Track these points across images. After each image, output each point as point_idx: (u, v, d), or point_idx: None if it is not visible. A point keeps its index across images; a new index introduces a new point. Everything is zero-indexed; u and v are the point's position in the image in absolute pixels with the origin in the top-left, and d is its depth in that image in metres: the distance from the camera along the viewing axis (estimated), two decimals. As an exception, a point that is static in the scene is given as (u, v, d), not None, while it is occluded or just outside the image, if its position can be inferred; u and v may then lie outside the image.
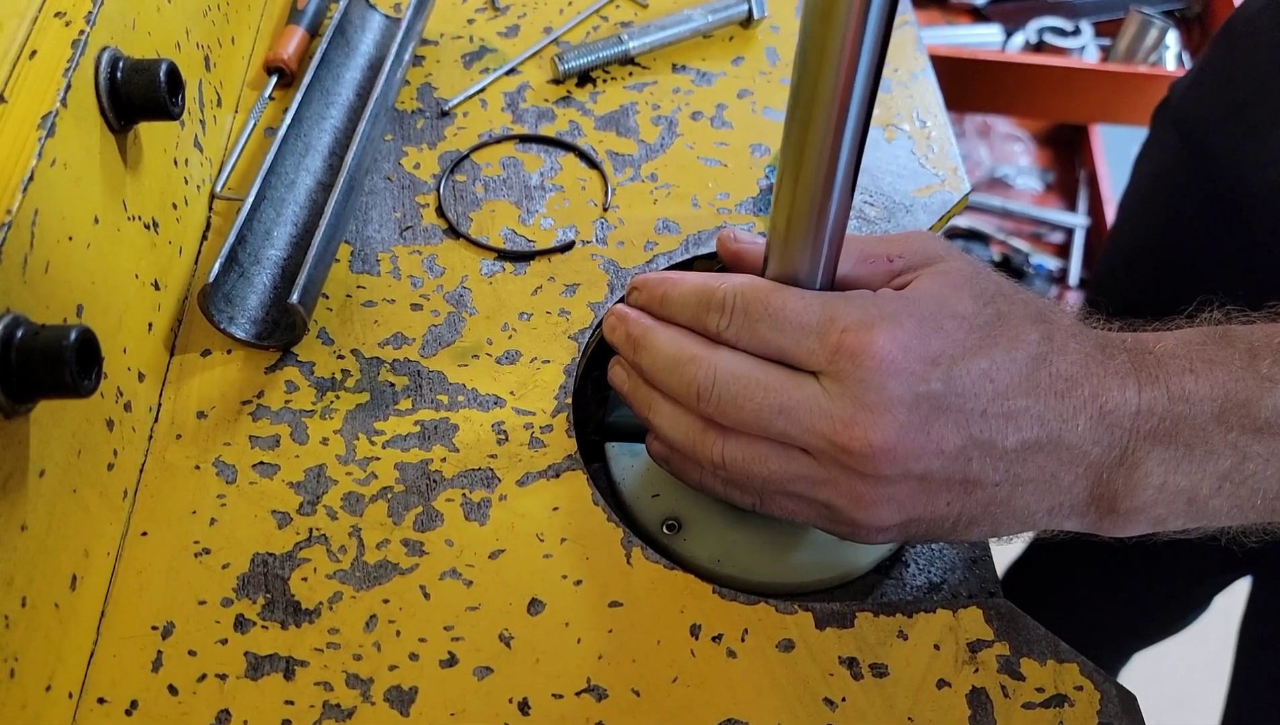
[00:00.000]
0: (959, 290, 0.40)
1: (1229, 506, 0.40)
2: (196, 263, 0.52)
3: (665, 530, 0.49)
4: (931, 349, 0.38)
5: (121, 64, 0.43)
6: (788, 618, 0.43)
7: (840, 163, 0.38)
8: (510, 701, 0.40)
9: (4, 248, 0.35)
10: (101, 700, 0.40)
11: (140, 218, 0.46)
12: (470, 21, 0.65)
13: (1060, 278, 1.67)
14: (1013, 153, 1.77)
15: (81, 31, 0.42)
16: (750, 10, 0.64)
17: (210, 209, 0.54)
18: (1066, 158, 1.78)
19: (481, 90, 0.61)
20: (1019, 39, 1.40)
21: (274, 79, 0.59)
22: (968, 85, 1.33)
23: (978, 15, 1.44)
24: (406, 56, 0.59)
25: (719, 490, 0.44)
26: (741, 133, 0.60)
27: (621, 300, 0.53)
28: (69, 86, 0.40)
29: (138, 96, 0.43)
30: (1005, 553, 1.20)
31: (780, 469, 0.41)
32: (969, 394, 0.38)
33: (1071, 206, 1.73)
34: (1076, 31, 1.38)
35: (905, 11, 0.67)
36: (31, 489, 0.37)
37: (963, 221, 1.68)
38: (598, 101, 0.61)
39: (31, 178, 0.37)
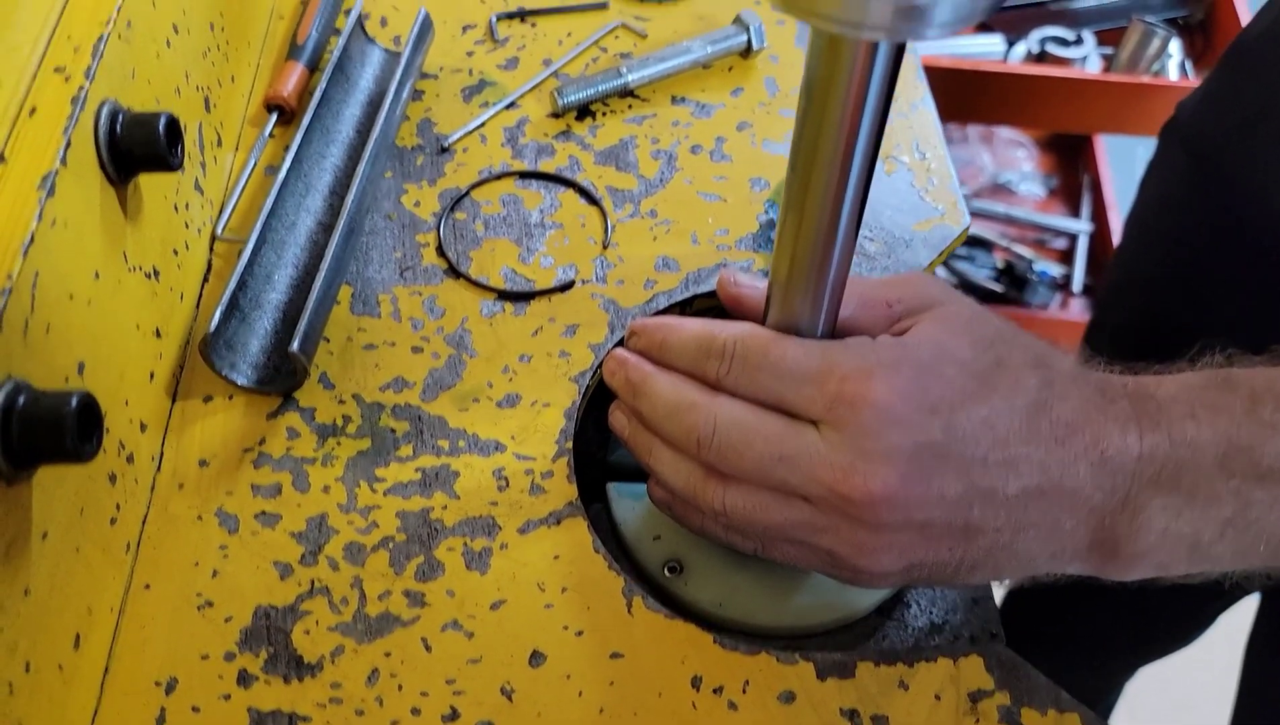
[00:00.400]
0: (958, 336, 0.40)
1: (1232, 552, 0.40)
2: (198, 307, 0.53)
3: (667, 573, 0.49)
4: (931, 396, 0.38)
5: (121, 117, 0.43)
6: (789, 668, 0.43)
7: (842, 219, 0.38)
8: (512, 756, 0.40)
9: (5, 314, 0.35)
10: (106, 757, 0.40)
11: (141, 268, 0.46)
12: (469, 54, 0.65)
13: (1064, 284, 1.67)
14: (1015, 158, 1.76)
15: (81, 87, 0.42)
16: (749, 41, 0.64)
17: (211, 251, 0.54)
18: (1069, 163, 1.77)
19: (481, 125, 0.61)
20: (1021, 49, 1.39)
21: (274, 116, 0.59)
22: (970, 96, 1.33)
23: (980, 25, 1.43)
24: (405, 94, 0.59)
25: (720, 536, 0.44)
26: (741, 166, 0.60)
27: (621, 343, 0.53)
28: (69, 144, 0.40)
29: (137, 150, 0.43)
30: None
31: (781, 517, 0.41)
32: (969, 442, 0.38)
33: (1075, 212, 1.73)
34: (1079, 41, 1.38)
35: (905, 40, 0.67)
36: (35, 552, 0.37)
37: (965, 228, 1.68)
38: (597, 135, 0.61)
39: (32, 241, 0.37)
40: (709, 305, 0.55)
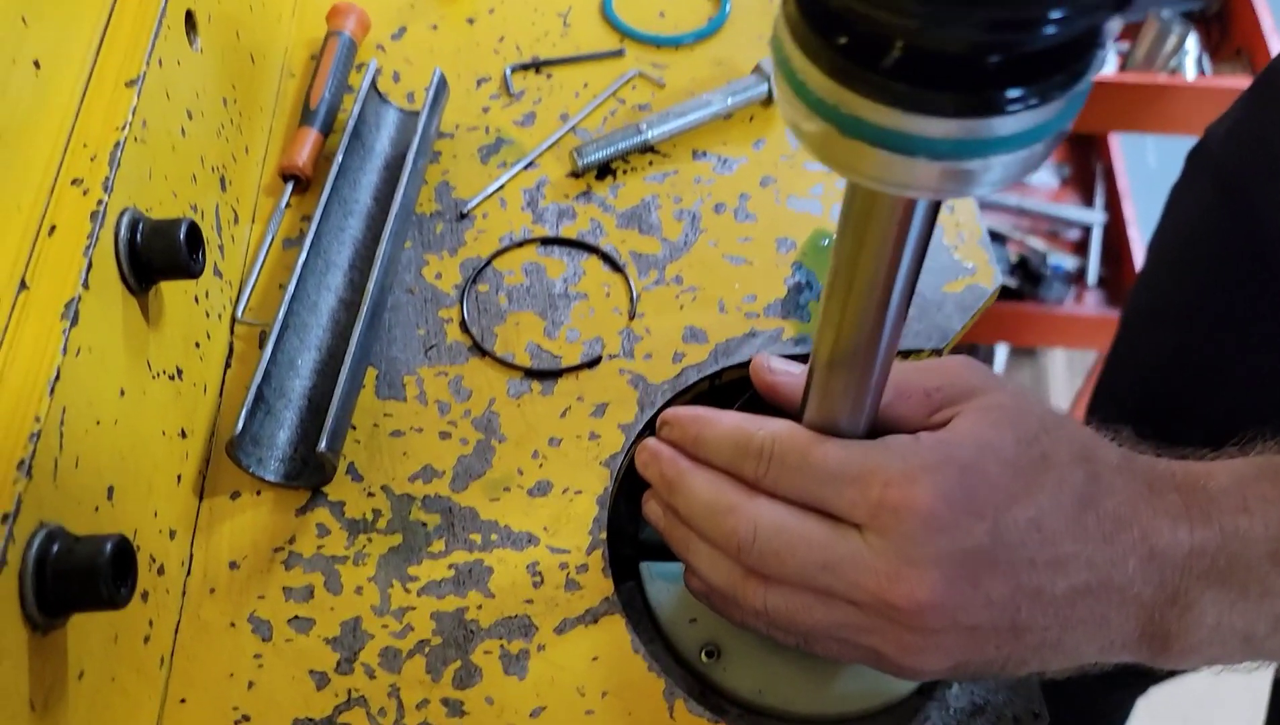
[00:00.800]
0: (1001, 429, 0.39)
1: None
2: (221, 395, 0.52)
3: (704, 658, 0.49)
4: (976, 500, 0.37)
5: (141, 226, 0.43)
6: (834, 772, 0.42)
7: (882, 342, 0.37)
8: None
9: (35, 459, 0.35)
10: None
11: (165, 372, 0.45)
12: (485, 110, 0.64)
13: (1078, 277, 1.65)
14: (1027, 148, 1.74)
15: (100, 201, 0.41)
16: (770, 91, 0.63)
17: (232, 333, 0.54)
18: (1082, 152, 1.75)
19: (500, 188, 0.60)
20: (1035, 48, 1.37)
21: (290, 187, 0.58)
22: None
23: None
24: (423, 162, 0.58)
25: (762, 630, 0.44)
26: (766, 225, 0.59)
27: (650, 426, 0.52)
28: (90, 266, 0.39)
29: (158, 260, 0.42)
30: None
31: (825, 619, 0.40)
32: (1016, 544, 0.37)
33: (1088, 200, 1.71)
34: (1094, 39, 1.35)
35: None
36: (71, 695, 0.36)
37: (978, 221, 1.66)
38: (618, 196, 0.60)
39: (58, 377, 0.37)
40: (737, 376, 0.54)
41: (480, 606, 0.46)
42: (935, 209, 0.33)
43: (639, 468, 0.45)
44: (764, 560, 0.40)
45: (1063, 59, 0.28)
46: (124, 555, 0.35)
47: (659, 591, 0.50)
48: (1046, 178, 1.72)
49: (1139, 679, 1.12)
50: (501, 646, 0.45)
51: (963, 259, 0.58)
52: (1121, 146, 1.71)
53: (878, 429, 0.42)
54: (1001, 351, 1.86)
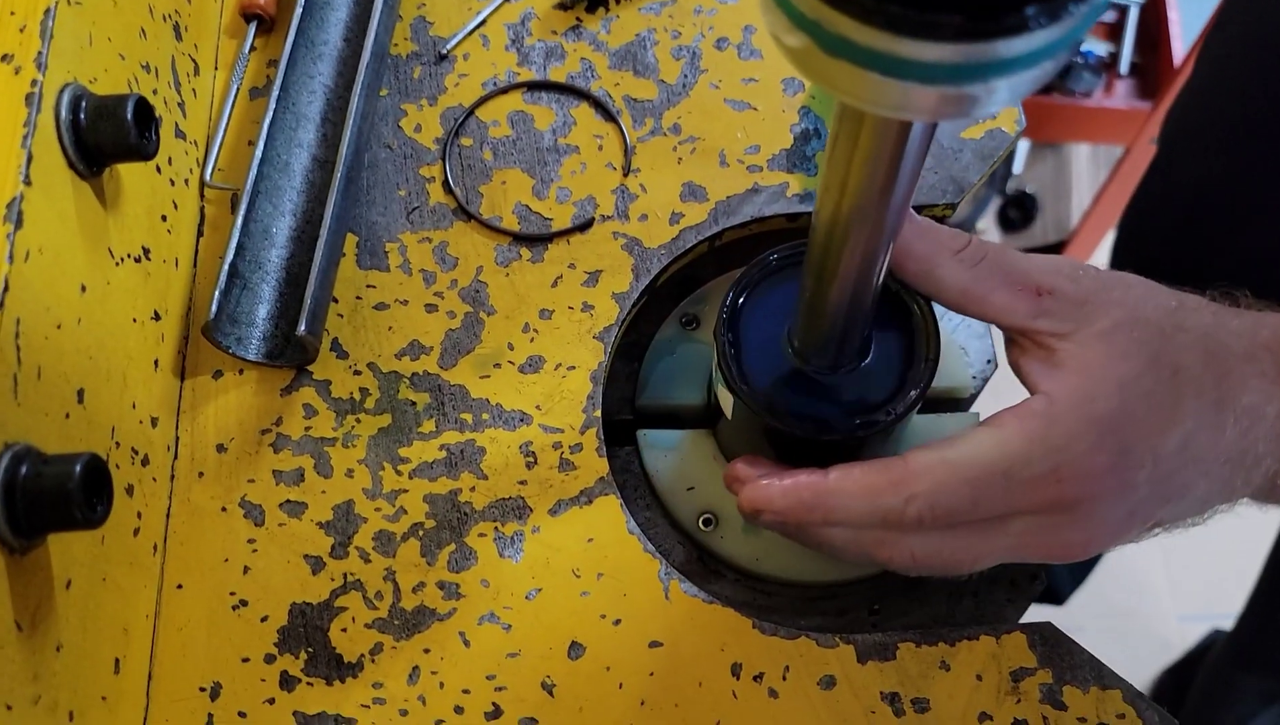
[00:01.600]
0: (1130, 358, 0.39)
1: None
2: (196, 267, 0.49)
3: (702, 526, 0.48)
4: (1135, 454, 0.38)
5: (85, 105, 0.39)
6: (829, 652, 0.43)
7: (879, 257, 0.35)
8: (557, 752, 0.41)
9: (-11, 381, 0.33)
10: (161, 768, 0.41)
11: (130, 255, 0.43)
12: (463, -70, 0.58)
13: (1111, 63, 1.56)
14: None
15: (34, 81, 0.37)
16: (779, -97, 0.56)
17: (202, 198, 0.51)
18: (1123, -76, 1.62)
19: (482, 24, 0.55)
20: None
21: (252, 28, 0.54)
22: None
23: None
24: (395, 1, 0.53)
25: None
26: (772, 64, 0.54)
27: (646, 292, 0.50)
28: (30, 158, 0.36)
29: (107, 144, 0.39)
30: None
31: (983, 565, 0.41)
32: (1171, 473, 0.39)
33: (1126, -19, 1.60)
34: None
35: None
36: (60, 606, 0.36)
37: (1006, 5, 1.56)
38: (611, 30, 0.55)
39: (6, 287, 0.34)
40: (739, 236, 0.51)
41: (473, 488, 0.45)
42: (933, 127, 0.30)
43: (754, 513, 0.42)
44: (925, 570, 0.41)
45: None
46: (95, 474, 0.34)
47: (656, 459, 0.49)
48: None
49: None
50: (496, 529, 0.45)
51: (984, 100, 0.53)
52: (1163, -80, 1.57)
53: (972, 312, 0.42)
54: (1022, 146, 1.79)
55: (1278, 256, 0.76)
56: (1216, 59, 0.80)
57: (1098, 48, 1.55)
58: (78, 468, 0.33)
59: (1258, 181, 0.75)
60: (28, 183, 0.36)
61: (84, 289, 0.39)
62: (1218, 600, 1.55)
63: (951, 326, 0.53)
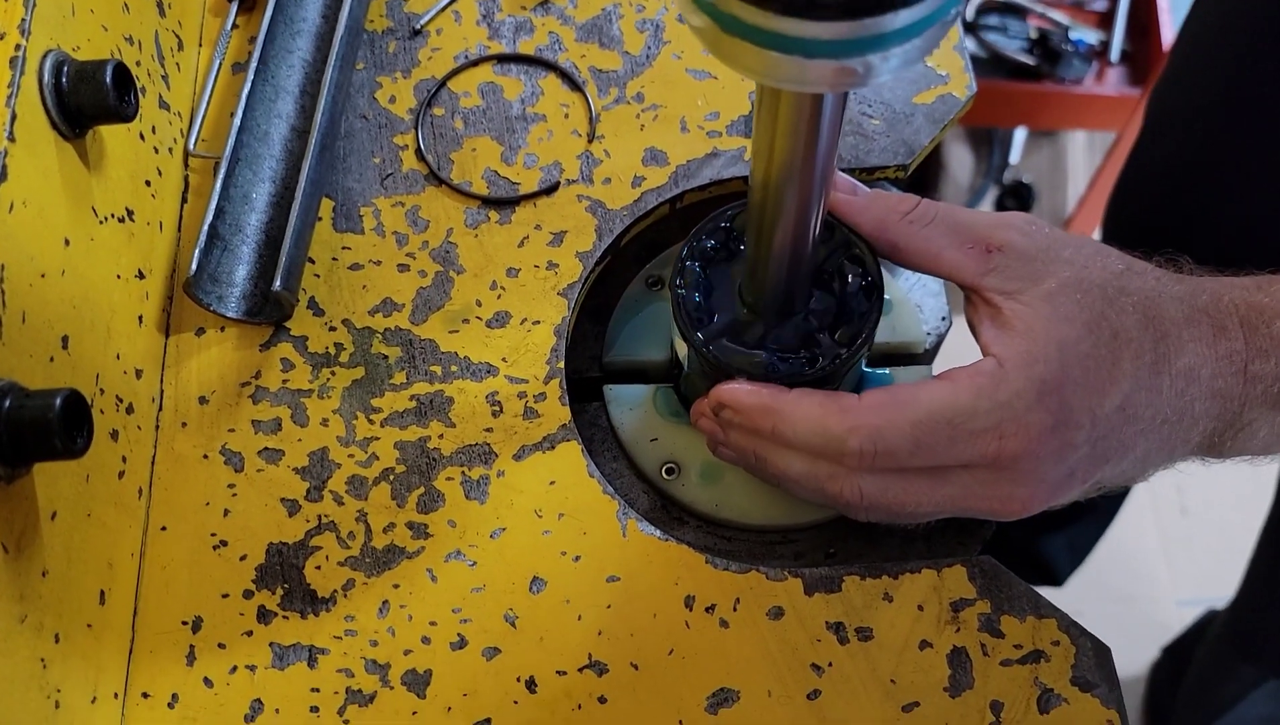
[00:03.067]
0: (1072, 320, 0.41)
1: None
2: (180, 230, 0.52)
3: (665, 474, 0.51)
4: (1075, 413, 0.40)
5: (66, 69, 0.42)
6: (778, 585, 0.45)
7: (812, 206, 0.38)
8: (518, 680, 0.43)
9: (-25, 320, 0.35)
10: (145, 695, 0.43)
11: (114, 215, 0.46)
12: (438, -88, 0.60)
13: (1101, 52, 1.58)
14: (1054, -89, 1.63)
15: (18, 45, 0.40)
16: (740, -119, 0.58)
17: (186, 167, 0.53)
18: (1114, -88, 1.63)
19: (454, 0, 0.57)
20: None
21: (235, 5, 0.56)
22: None
23: None
24: (370, -24, 0.56)
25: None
26: (732, 34, 0.56)
27: (609, 251, 0.52)
28: (14, 116, 0.39)
29: (87, 106, 0.42)
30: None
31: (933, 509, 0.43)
32: (1109, 434, 0.41)
33: (1117, -31, 1.61)
34: None
35: None
36: (46, 534, 0.39)
37: (998, -6, 1.57)
38: (578, 5, 0.57)
39: (-9, 235, 0.37)
40: (698, 199, 0.54)
41: (442, 436, 0.48)
42: (844, 95, 0.32)
43: (709, 416, 0.45)
44: (873, 515, 0.43)
45: None
46: (74, 408, 0.37)
47: (622, 413, 0.52)
48: (1073, -56, 1.61)
49: None
50: (463, 473, 0.47)
51: (935, 66, 0.55)
52: (1155, -94, 1.59)
53: (922, 267, 0.45)
54: (1020, 135, 1.81)
55: (1251, 227, 0.78)
56: (1192, 40, 0.82)
57: (1089, 36, 1.56)
58: (58, 401, 0.36)
59: (1231, 157, 0.77)
60: (12, 140, 0.39)
61: (67, 242, 0.42)
62: (1216, 584, 1.56)
63: (908, 285, 0.55)
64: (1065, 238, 0.44)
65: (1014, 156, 1.81)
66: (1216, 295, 0.43)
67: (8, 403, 0.36)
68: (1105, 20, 1.60)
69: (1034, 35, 1.56)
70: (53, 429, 0.36)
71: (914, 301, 0.55)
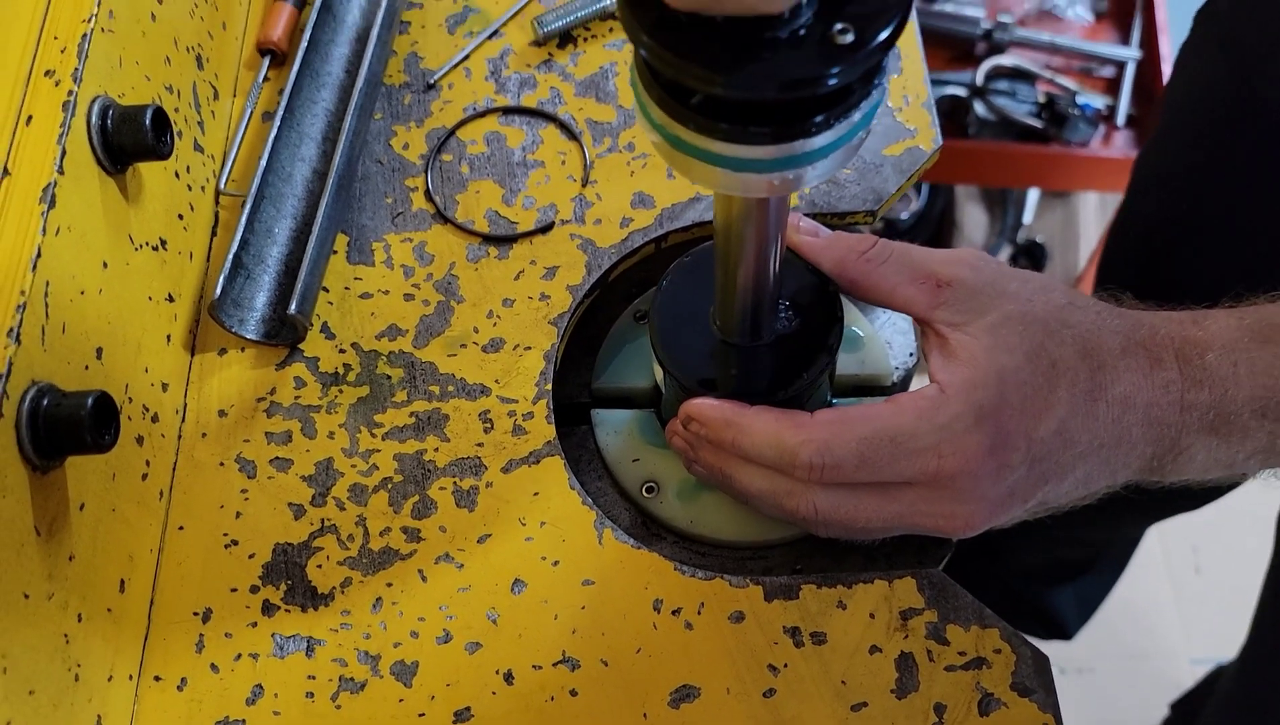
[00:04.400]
0: (1012, 350, 0.44)
1: (1260, 466, 0.47)
2: (208, 260, 0.57)
3: (645, 493, 0.54)
4: (1011, 437, 0.43)
5: (111, 113, 0.47)
6: (740, 591, 0.48)
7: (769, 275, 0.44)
8: (497, 673, 0.47)
9: (23, 327, 0.40)
10: (157, 678, 0.47)
11: (148, 243, 0.51)
12: (454, -22, 0.66)
13: (1108, 116, 1.62)
14: (1063, -19, 1.68)
15: (70, 91, 0.45)
16: (729, -47, 0.64)
17: (217, 204, 0.59)
18: (1122, -17, 1.69)
19: (465, 58, 0.63)
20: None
21: (267, 61, 0.62)
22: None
23: None
24: (389, 35, 0.61)
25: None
26: (718, 91, 0.61)
27: (598, 284, 0.56)
28: (64, 152, 0.44)
29: (128, 145, 0.47)
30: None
31: (882, 526, 0.46)
32: (1046, 455, 0.44)
33: (1125, 38, 1.66)
34: None
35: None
36: (74, 523, 0.43)
37: (1008, 60, 1.62)
38: (578, 63, 0.63)
39: (39, 254, 0.42)
40: (682, 239, 0.58)
41: (437, 449, 0.52)
42: (786, 201, 0.39)
43: (684, 433, 0.49)
44: (830, 529, 0.47)
45: (858, 83, 0.34)
46: (104, 408, 0.41)
47: (607, 435, 0.56)
48: (1082, 12, 1.67)
49: (1148, 505, 1.17)
50: (454, 483, 0.51)
51: (905, 121, 0.60)
52: (1163, -22, 1.64)
53: (879, 301, 0.49)
54: (1033, 195, 1.85)
55: (1223, 282, 0.81)
56: (1171, 108, 0.86)
57: (1096, 101, 1.61)
58: (90, 401, 0.41)
59: (1208, 219, 0.81)
60: (61, 172, 0.44)
61: (106, 265, 0.47)
62: (1230, 643, 1.55)
63: (879, 323, 0.59)
64: (1012, 273, 0.48)
65: (1027, 217, 1.85)
66: (1154, 329, 0.46)
67: (45, 401, 0.41)
68: (1112, 86, 1.64)
69: (1042, 100, 1.61)
70: (84, 425, 0.40)
71: (884, 338, 0.59)
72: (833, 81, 0.32)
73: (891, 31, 0.32)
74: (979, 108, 1.60)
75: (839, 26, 0.31)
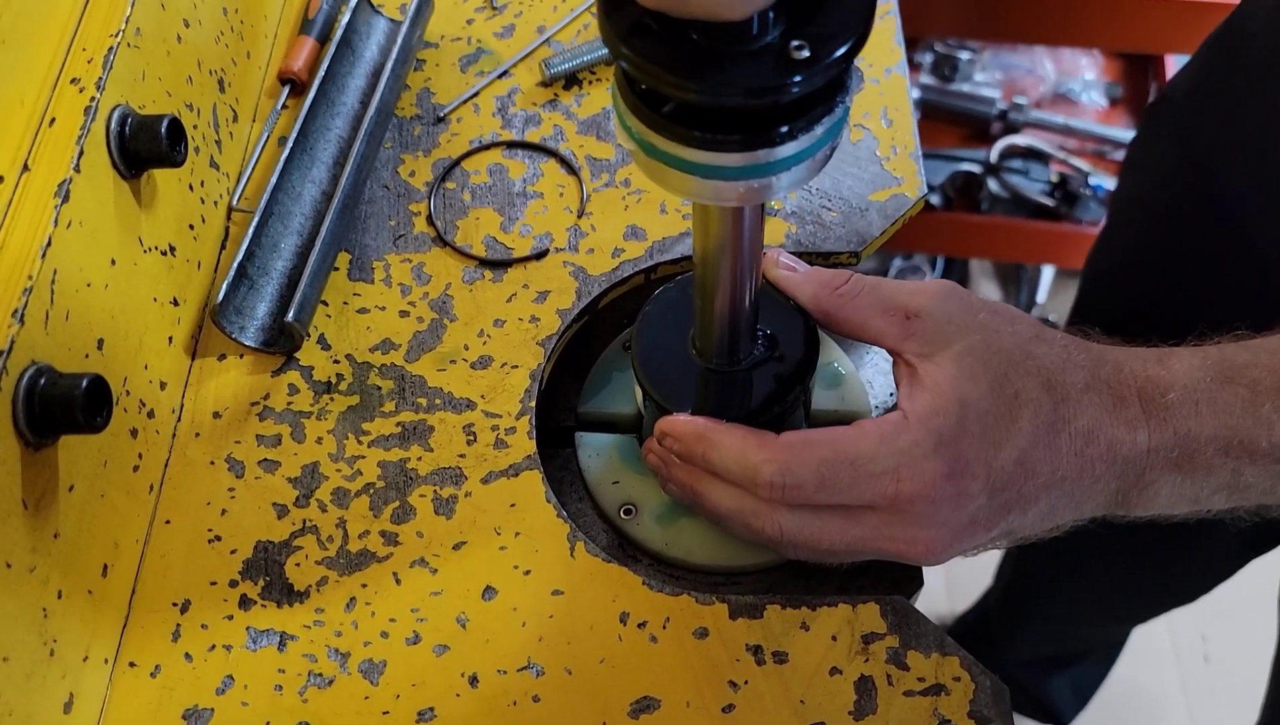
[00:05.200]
0: (975, 379, 0.45)
1: (1225, 502, 0.47)
2: (216, 271, 0.60)
3: (622, 514, 0.56)
4: (970, 464, 0.44)
5: (130, 121, 0.50)
6: (705, 608, 0.49)
7: (745, 293, 0.46)
8: (462, 675, 0.48)
9: (27, 310, 0.43)
10: (132, 664, 0.48)
11: (157, 247, 0.53)
12: (469, 22, 0.69)
13: (1121, 198, 1.64)
14: (1079, 66, 1.72)
15: (93, 98, 0.48)
16: (732, 7, 0.67)
17: (228, 220, 0.61)
18: (1138, 70, 1.72)
19: (475, 95, 0.66)
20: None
21: (286, 89, 0.65)
22: (1022, 12, 1.30)
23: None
24: (403, 70, 0.64)
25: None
26: (714, 134, 0.64)
27: (586, 311, 0.58)
28: (81, 152, 0.47)
29: (144, 151, 0.50)
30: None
31: (845, 549, 0.47)
32: (1007, 484, 0.45)
33: (1138, 123, 1.69)
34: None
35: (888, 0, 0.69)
36: (62, 502, 0.45)
37: (1022, 140, 1.66)
38: (581, 105, 0.65)
39: (49, 243, 0.44)
40: (671, 271, 0.60)
41: (420, 458, 0.54)
42: (761, 208, 0.41)
43: (658, 450, 0.51)
44: (796, 551, 0.48)
45: (819, 98, 0.36)
46: (98, 390, 0.43)
47: (588, 457, 0.57)
48: (1096, 98, 1.70)
49: (1148, 598, 1.16)
50: (435, 491, 0.53)
51: (892, 171, 0.62)
52: (1179, 66, 1.67)
53: (852, 334, 0.50)
54: (1048, 273, 1.86)
55: (1185, 322, 0.81)
56: (1122, 203, 0.88)
57: (1108, 182, 1.63)
58: (84, 382, 0.43)
59: (1160, 316, 0.81)
60: (77, 170, 0.47)
61: (113, 262, 0.49)
62: (1238, 729, 1.53)
63: (861, 363, 0.61)
64: (982, 305, 0.49)
65: (1041, 295, 1.86)
66: (1119, 366, 0.47)
67: (43, 381, 0.43)
68: (1126, 169, 1.67)
69: (1055, 179, 1.64)
70: (77, 405, 0.42)
71: (866, 378, 0.60)
72: (789, 92, 0.34)
73: (845, 51, 0.34)
74: (992, 184, 1.63)
75: (796, 43, 0.34)
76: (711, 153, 0.36)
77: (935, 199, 1.62)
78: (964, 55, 1.65)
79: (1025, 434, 0.45)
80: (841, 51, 0.34)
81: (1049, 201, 1.61)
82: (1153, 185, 0.82)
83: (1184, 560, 1.04)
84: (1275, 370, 0.45)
